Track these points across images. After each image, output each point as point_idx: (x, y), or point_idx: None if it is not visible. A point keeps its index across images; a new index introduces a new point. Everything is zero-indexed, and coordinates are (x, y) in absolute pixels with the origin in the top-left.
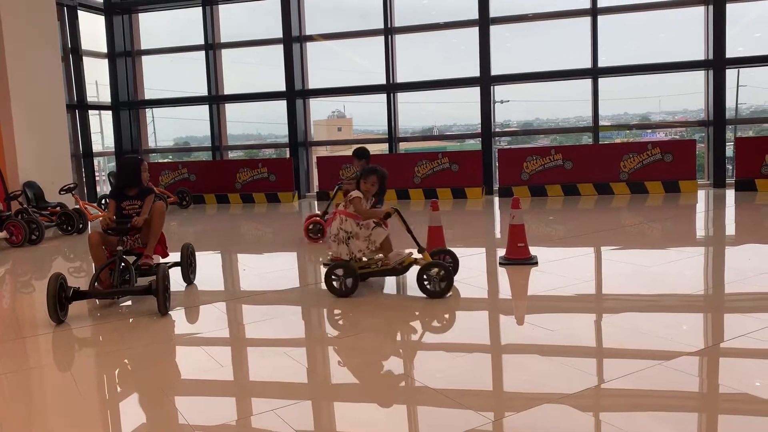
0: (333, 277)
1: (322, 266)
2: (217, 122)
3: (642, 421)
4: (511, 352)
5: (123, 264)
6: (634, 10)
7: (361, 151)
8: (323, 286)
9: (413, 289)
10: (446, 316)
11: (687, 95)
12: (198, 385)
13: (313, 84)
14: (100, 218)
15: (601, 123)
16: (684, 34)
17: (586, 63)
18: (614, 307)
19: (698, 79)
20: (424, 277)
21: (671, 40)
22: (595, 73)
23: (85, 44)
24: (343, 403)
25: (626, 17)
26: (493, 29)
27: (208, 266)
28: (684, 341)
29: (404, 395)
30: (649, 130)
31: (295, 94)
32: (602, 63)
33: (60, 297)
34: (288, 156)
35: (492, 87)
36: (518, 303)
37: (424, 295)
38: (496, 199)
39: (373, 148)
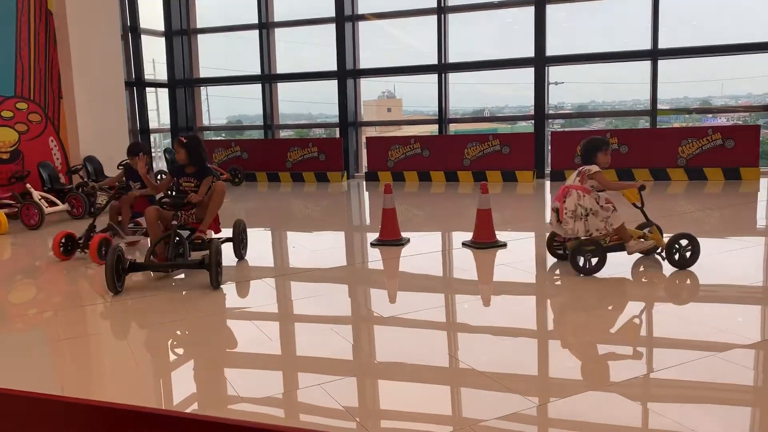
0: (580, 254)
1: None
2: (269, 101)
3: (691, 412)
4: (558, 338)
5: (177, 238)
6: None
7: (138, 147)
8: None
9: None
10: (498, 299)
11: (752, 79)
12: (247, 358)
13: (364, 64)
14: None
15: (659, 107)
16: (750, 13)
17: (646, 44)
18: (666, 296)
19: (764, 61)
20: (675, 247)
21: (736, 20)
22: (654, 54)
23: (144, 23)
24: (388, 381)
25: None
26: (549, 8)
27: (259, 243)
28: (739, 333)
29: (449, 376)
30: (710, 115)
31: (347, 73)
32: (662, 45)
33: (118, 268)
34: (338, 136)
35: (546, 68)
36: (567, 288)
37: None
38: (548, 183)
39: (423, 129)
